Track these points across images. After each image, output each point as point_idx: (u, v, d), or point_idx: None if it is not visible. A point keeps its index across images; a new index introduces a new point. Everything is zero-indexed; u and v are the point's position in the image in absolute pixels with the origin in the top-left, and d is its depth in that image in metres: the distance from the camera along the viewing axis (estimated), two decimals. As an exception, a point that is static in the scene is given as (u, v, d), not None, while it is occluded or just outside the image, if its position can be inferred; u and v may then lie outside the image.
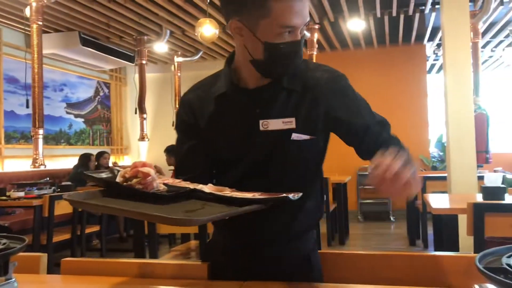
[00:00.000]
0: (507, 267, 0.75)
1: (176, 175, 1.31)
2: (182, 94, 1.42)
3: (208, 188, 1.14)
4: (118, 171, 1.14)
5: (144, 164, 1.11)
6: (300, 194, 1.08)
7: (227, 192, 1.12)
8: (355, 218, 7.41)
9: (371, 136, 1.22)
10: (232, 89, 1.25)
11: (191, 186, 1.14)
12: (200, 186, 1.14)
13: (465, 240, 2.78)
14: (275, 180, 1.25)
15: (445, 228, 2.79)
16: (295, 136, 1.20)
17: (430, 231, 4.83)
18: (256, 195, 1.09)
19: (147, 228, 2.80)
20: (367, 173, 7.51)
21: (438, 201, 2.91)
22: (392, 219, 7.40)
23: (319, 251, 1.32)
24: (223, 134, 1.27)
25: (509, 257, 0.81)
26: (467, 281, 0.91)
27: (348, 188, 6.32)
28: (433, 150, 8.17)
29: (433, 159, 7.82)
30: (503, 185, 2.78)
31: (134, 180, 1.09)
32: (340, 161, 7.67)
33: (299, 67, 1.22)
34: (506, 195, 2.74)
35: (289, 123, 1.20)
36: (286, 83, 1.22)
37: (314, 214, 1.33)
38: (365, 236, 6.26)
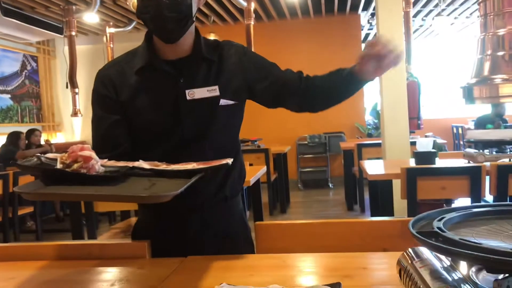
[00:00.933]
0: (438, 230, 0.79)
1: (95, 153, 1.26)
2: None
3: (147, 165, 1.12)
4: (47, 158, 1.07)
5: (82, 148, 1.07)
6: (232, 159, 1.13)
7: (164, 166, 1.11)
8: (296, 186, 7.57)
9: (291, 83, 1.31)
10: (154, 61, 1.26)
11: (129, 164, 1.12)
12: (137, 163, 1.12)
13: (399, 203, 2.91)
14: (207, 147, 1.27)
15: (380, 193, 2.90)
16: (223, 102, 1.26)
17: (366, 196, 5.02)
18: (195, 165, 1.10)
19: (84, 207, 2.70)
20: (306, 142, 7.69)
21: (373, 168, 3.01)
22: (330, 186, 7.63)
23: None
24: (149, 107, 1.26)
25: (439, 220, 0.84)
26: (402, 244, 0.94)
27: (288, 157, 6.42)
28: (368, 118, 8.44)
29: (368, 127, 8.08)
30: (433, 150, 2.92)
31: (76, 165, 1.05)
32: (280, 132, 7.80)
33: (180, 30, 1.21)
34: (437, 159, 2.88)
35: (213, 90, 1.25)
36: (205, 53, 1.27)
37: (243, 174, 1.41)
38: (306, 204, 6.42)
